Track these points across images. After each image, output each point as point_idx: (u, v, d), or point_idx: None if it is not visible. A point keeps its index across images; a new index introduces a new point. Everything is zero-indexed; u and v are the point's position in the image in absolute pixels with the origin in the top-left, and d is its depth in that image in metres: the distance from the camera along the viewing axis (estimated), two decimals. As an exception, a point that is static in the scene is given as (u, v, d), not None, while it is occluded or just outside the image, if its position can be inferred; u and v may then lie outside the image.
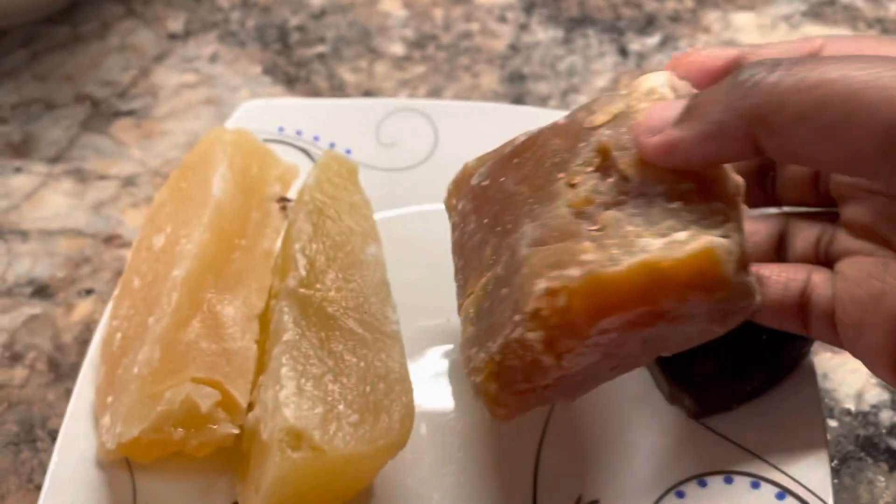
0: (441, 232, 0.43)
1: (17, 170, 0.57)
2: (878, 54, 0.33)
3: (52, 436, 0.45)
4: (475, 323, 0.37)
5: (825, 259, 0.39)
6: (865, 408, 0.46)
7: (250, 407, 0.40)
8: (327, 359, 0.39)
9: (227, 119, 0.57)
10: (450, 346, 0.46)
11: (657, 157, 0.34)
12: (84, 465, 0.41)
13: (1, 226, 0.54)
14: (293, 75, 0.63)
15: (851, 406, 0.46)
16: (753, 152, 0.32)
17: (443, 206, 0.43)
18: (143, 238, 0.46)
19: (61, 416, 0.44)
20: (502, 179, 0.39)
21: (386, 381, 0.39)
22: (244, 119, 0.54)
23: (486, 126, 0.54)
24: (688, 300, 0.32)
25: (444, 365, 0.45)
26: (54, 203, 0.56)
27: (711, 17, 0.66)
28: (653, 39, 0.65)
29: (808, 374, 0.43)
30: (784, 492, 0.39)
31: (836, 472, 0.43)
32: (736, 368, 0.42)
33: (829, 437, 0.42)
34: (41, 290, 0.51)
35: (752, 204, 0.41)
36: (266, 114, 0.55)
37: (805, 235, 0.40)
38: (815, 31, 0.65)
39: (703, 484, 0.40)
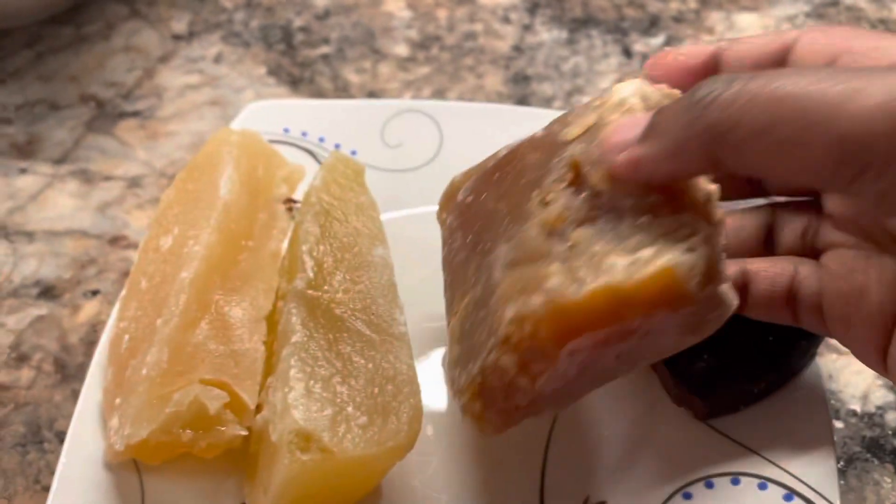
0: (447, 233, 0.43)
1: (23, 171, 0.57)
2: (850, 47, 0.34)
3: (59, 437, 0.45)
4: (460, 343, 0.38)
5: (812, 250, 0.39)
6: (871, 409, 0.46)
7: (258, 408, 0.40)
8: (335, 360, 0.39)
9: (231, 120, 0.57)
10: (456, 348, 0.46)
11: (623, 174, 0.34)
12: (92, 466, 0.41)
13: (6, 227, 0.54)
14: (297, 76, 0.63)
15: (857, 407, 0.46)
16: (715, 167, 0.32)
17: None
18: (150, 239, 0.46)
19: (68, 417, 0.44)
20: (484, 196, 0.40)
21: (394, 383, 0.40)
22: (250, 120, 0.54)
23: (491, 127, 0.54)
24: (654, 316, 0.33)
25: (451, 366, 0.45)
26: (60, 204, 0.56)
27: (715, 17, 0.67)
28: (657, 40, 0.65)
29: (814, 376, 0.43)
30: (791, 493, 0.39)
31: (842, 474, 0.43)
32: (743, 370, 0.42)
33: (834, 438, 0.42)
34: (47, 291, 0.51)
35: (740, 195, 0.41)
36: (272, 115, 0.55)
37: (792, 227, 0.40)
38: (818, 32, 0.65)
39: (710, 485, 0.40)
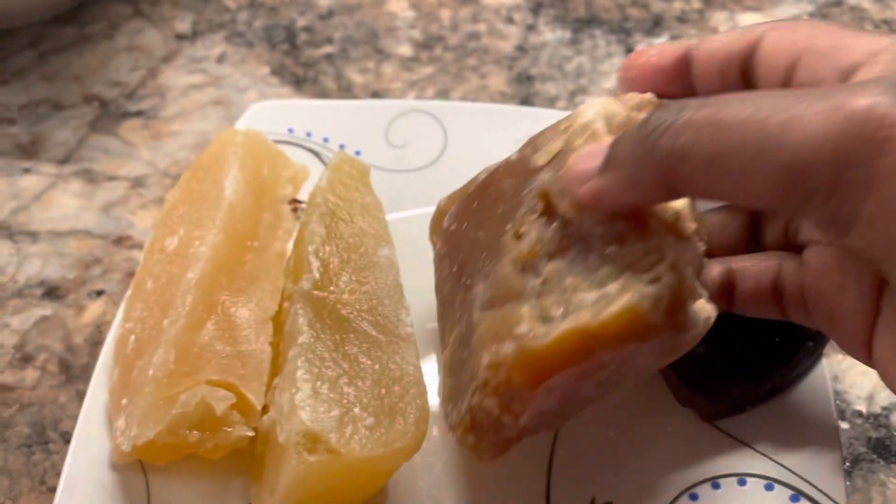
0: (454, 234, 0.43)
1: (26, 170, 0.57)
2: (812, 47, 0.34)
3: (65, 437, 0.45)
4: (451, 377, 0.39)
5: (796, 245, 0.39)
6: (877, 410, 0.46)
7: (265, 409, 0.40)
8: (342, 361, 0.39)
9: (235, 120, 0.57)
10: (462, 348, 0.46)
11: (588, 205, 0.34)
12: (98, 467, 0.41)
13: (10, 227, 0.54)
14: (301, 76, 0.63)
15: (863, 408, 0.46)
16: (672, 195, 0.33)
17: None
18: (155, 240, 0.46)
19: (73, 417, 0.44)
20: (465, 225, 0.41)
21: (401, 384, 0.39)
22: (254, 120, 0.54)
23: (495, 127, 0.54)
24: (624, 349, 0.33)
25: (457, 367, 0.45)
26: (63, 204, 0.56)
27: (719, 17, 0.67)
28: (660, 40, 0.65)
29: (820, 377, 0.43)
30: (798, 494, 0.39)
31: (847, 475, 0.43)
32: (749, 371, 0.42)
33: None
34: (51, 292, 0.51)
35: None
36: (276, 115, 0.55)
37: (776, 223, 0.40)
38: (822, 33, 0.65)
39: (716, 486, 0.40)
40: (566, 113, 0.41)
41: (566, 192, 0.35)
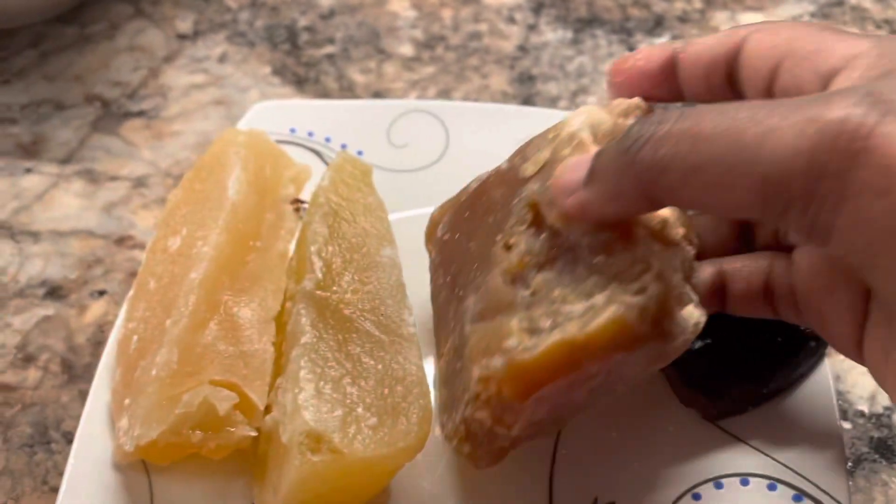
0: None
1: (28, 170, 0.57)
2: (793, 51, 0.35)
3: (67, 437, 0.45)
4: (446, 386, 0.39)
5: (787, 245, 0.39)
6: (879, 409, 0.46)
7: (268, 409, 0.40)
8: (345, 361, 0.39)
9: (237, 120, 0.57)
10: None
11: (574, 217, 0.35)
12: (101, 467, 0.41)
13: (12, 227, 0.54)
14: (302, 76, 0.63)
15: (865, 408, 0.46)
16: (655, 206, 0.33)
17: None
18: (157, 240, 0.46)
19: (75, 417, 0.44)
20: (458, 235, 0.41)
21: (403, 384, 0.40)
22: (256, 120, 0.54)
23: (497, 127, 0.54)
24: (612, 359, 0.34)
25: (459, 367, 0.45)
26: (65, 204, 0.56)
27: (720, 17, 0.67)
28: (661, 40, 0.65)
29: (822, 377, 0.43)
30: (801, 494, 0.39)
31: (849, 474, 0.43)
32: (751, 371, 0.42)
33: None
34: (53, 292, 0.51)
35: None
36: (278, 115, 0.55)
37: (766, 224, 0.40)
38: (823, 33, 0.65)
39: (719, 486, 0.40)
40: (568, 113, 0.41)
41: (554, 204, 0.35)
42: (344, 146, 0.54)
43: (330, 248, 0.43)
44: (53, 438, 0.46)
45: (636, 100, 0.39)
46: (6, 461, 0.45)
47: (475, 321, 0.37)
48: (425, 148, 0.54)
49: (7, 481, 0.44)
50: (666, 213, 0.35)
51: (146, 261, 0.46)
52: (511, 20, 0.67)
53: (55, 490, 0.42)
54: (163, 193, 0.56)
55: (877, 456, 0.44)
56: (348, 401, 0.38)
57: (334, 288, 0.42)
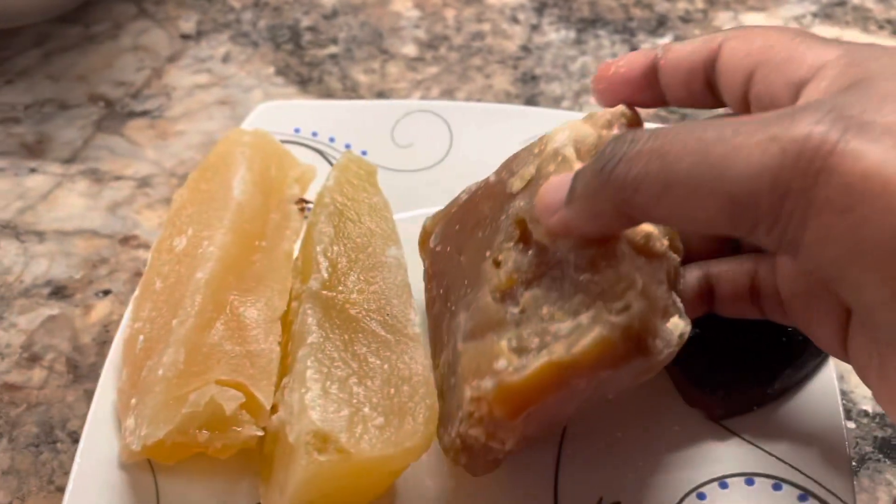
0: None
1: (32, 170, 0.57)
2: (766, 59, 0.35)
3: (72, 437, 0.45)
4: (442, 399, 0.40)
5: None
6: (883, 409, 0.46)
7: (274, 409, 0.40)
8: (351, 361, 0.39)
9: (240, 120, 0.57)
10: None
11: (559, 234, 0.35)
12: (107, 466, 0.41)
13: (17, 226, 0.54)
14: (306, 76, 0.63)
15: (868, 408, 0.46)
16: (632, 224, 0.34)
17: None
18: (163, 239, 0.46)
19: (81, 417, 0.44)
20: (449, 248, 0.42)
21: (409, 384, 0.40)
22: (260, 120, 0.54)
23: (500, 127, 0.54)
24: (599, 376, 0.34)
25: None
26: (70, 204, 0.56)
27: (722, 17, 0.67)
28: (664, 40, 0.65)
29: (826, 376, 0.43)
30: (806, 493, 0.40)
31: (853, 474, 0.43)
32: (756, 371, 0.42)
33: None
34: (58, 291, 0.51)
35: None
36: (282, 115, 0.55)
37: None
38: (825, 33, 0.65)
39: (724, 486, 0.40)
40: (570, 113, 0.41)
41: (538, 221, 0.36)
42: (348, 146, 0.54)
43: (335, 248, 0.43)
44: (59, 438, 0.46)
45: (620, 107, 0.40)
46: (12, 461, 0.45)
47: (466, 339, 0.37)
48: (429, 148, 0.54)
49: (13, 481, 0.44)
50: (649, 226, 0.36)
51: (152, 261, 0.46)
52: (514, 20, 0.67)
53: (61, 490, 0.42)
54: (167, 193, 0.56)
55: (881, 455, 0.44)
56: (355, 401, 0.38)
57: (340, 288, 0.42)
